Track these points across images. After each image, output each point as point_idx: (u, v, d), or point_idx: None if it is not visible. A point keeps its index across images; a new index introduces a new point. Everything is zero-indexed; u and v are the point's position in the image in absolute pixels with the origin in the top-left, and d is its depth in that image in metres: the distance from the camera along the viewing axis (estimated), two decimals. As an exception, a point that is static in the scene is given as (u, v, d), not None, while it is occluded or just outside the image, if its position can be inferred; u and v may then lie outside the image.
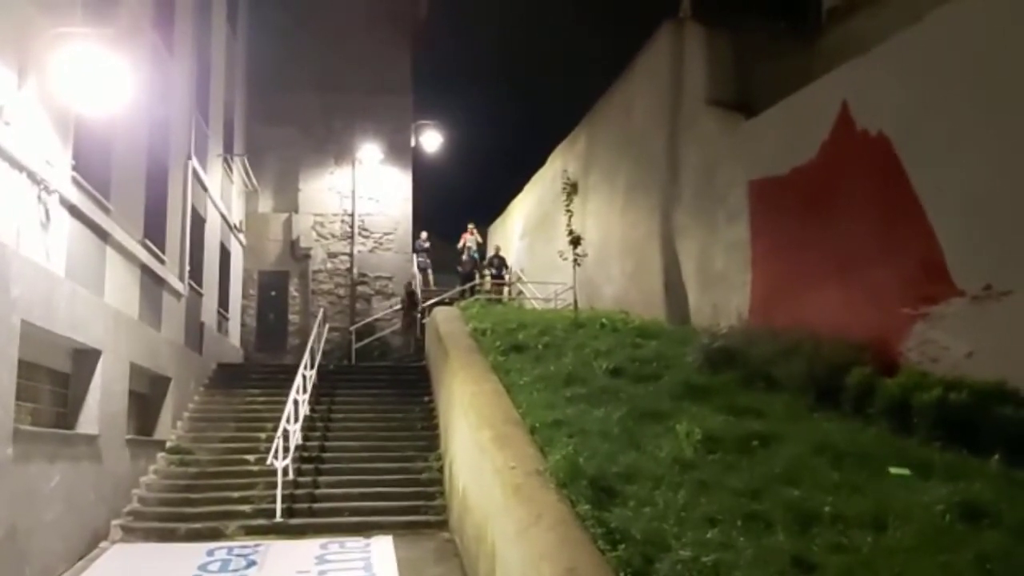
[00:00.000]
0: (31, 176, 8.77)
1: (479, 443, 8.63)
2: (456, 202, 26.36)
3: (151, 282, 13.10)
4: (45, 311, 9.10)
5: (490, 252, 24.00)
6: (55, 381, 10.38)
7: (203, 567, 9.83)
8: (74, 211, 9.97)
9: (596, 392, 9.71)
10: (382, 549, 10.36)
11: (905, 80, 9.36)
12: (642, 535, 5.80)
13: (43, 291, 9.08)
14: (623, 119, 17.28)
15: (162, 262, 13.65)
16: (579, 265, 14.45)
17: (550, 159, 22.56)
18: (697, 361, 10.75)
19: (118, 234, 11.42)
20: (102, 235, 10.96)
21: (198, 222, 16.50)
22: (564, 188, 15.01)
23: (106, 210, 11.02)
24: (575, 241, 14.22)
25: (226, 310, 19.55)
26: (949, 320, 8.56)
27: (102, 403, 10.79)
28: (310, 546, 10.60)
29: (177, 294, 14.65)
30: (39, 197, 9.02)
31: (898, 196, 9.41)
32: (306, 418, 13.81)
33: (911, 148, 9.30)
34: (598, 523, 5.99)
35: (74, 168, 9.93)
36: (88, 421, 10.58)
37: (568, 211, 14.56)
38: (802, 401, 9.06)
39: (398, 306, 21.29)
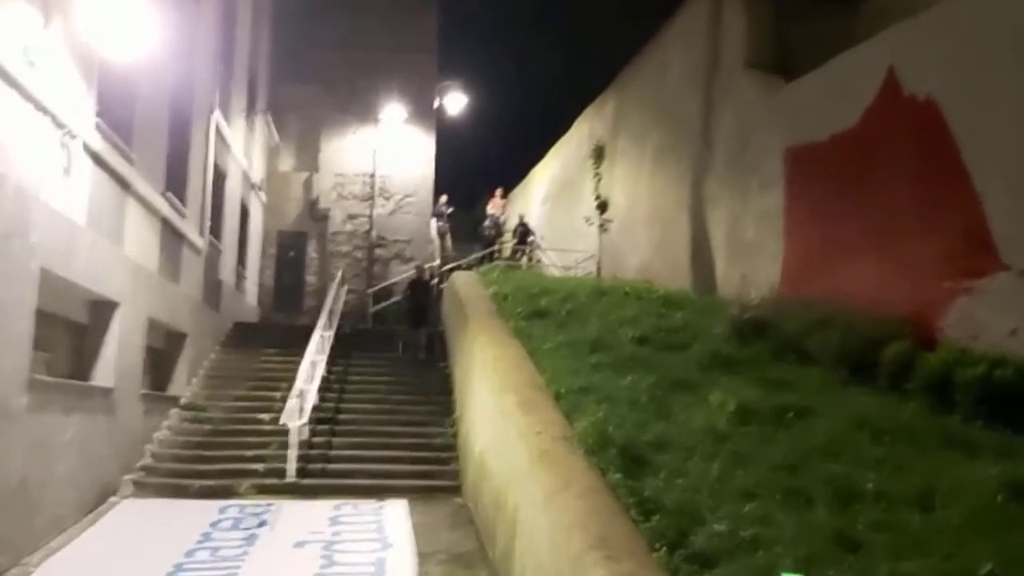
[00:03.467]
0: (54, 120, 8.52)
1: (502, 407, 8.39)
2: (477, 168, 26.01)
3: (171, 236, 12.88)
4: (64, 260, 8.90)
5: (513, 220, 23.61)
6: (72, 332, 10.22)
7: (215, 524, 9.70)
8: (97, 159, 9.73)
9: (623, 360, 9.43)
10: (396, 512, 10.20)
11: (957, 43, 8.93)
12: (676, 506, 5.56)
13: (63, 239, 8.87)
14: (655, 82, 16.85)
15: (183, 216, 13.42)
16: (605, 231, 14.12)
17: (576, 124, 22.15)
18: (726, 332, 10.44)
19: (140, 185, 11.18)
20: (124, 185, 10.72)
21: (219, 178, 16.27)
22: (593, 151, 14.62)
23: (129, 160, 10.77)
24: (602, 206, 13.90)
25: (244, 268, 19.36)
26: (993, 295, 8.18)
27: (118, 356, 10.61)
28: (323, 507, 10.45)
29: (197, 249, 14.44)
30: (62, 143, 8.77)
31: (945, 165, 9.01)
32: (322, 379, 13.63)
33: (961, 115, 8.87)
34: (630, 492, 5.75)
35: (97, 115, 9.69)
36: (104, 374, 10.42)
37: (597, 174, 14.21)
38: (835, 375, 8.74)
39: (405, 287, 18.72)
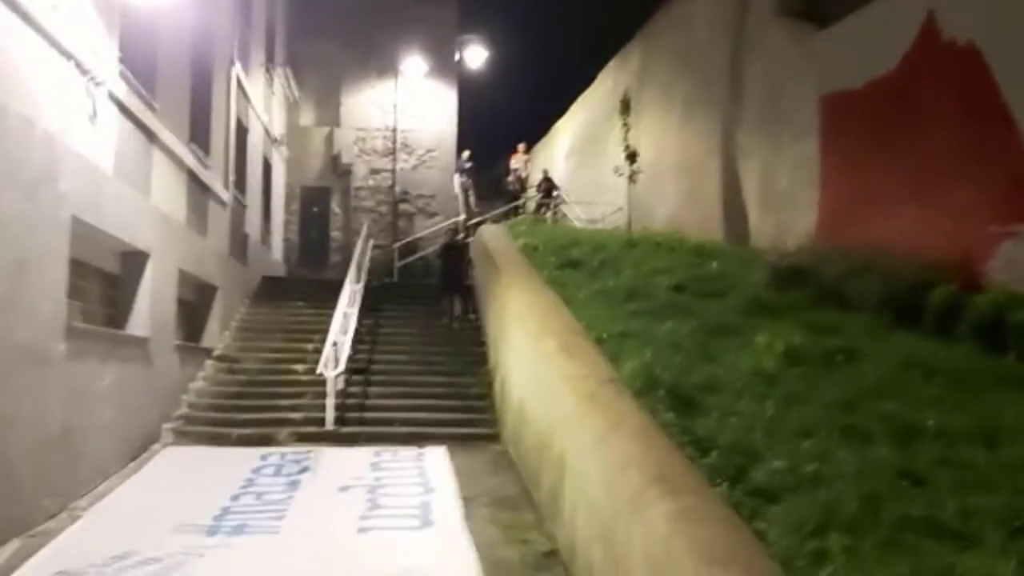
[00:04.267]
0: (79, 66, 8.36)
1: (543, 352, 8.33)
2: (499, 124, 25.65)
3: (197, 188, 12.80)
4: (94, 209, 8.82)
5: (536, 175, 23.40)
6: (105, 282, 10.19)
7: (257, 470, 9.71)
8: (121, 107, 9.60)
9: (660, 307, 9.33)
10: (436, 458, 10.19)
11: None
12: (731, 444, 5.50)
13: (91, 188, 8.78)
14: (682, 32, 16.56)
15: (207, 168, 13.32)
16: (634, 182, 13.95)
17: (600, 76, 21.84)
18: (764, 279, 10.32)
19: (165, 135, 11.07)
20: (149, 135, 10.62)
21: (241, 131, 16.13)
22: (620, 102, 14.40)
23: (152, 109, 10.65)
24: (631, 156, 13.69)
25: (269, 224, 19.30)
26: (1040, 238, 8.07)
27: (152, 306, 10.60)
28: (363, 454, 10.46)
29: (222, 203, 14.37)
30: (87, 89, 8.65)
31: (987, 109, 8.85)
32: (354, 332, 13.62)
33: (1004, 59, 8.69)
34: (683, 431, 5.69)
35: (120, 62, 9.55)
36: (138, 324, 10.41)
37: (625, 124, 14.00)
38: (879, 320, 8.62)
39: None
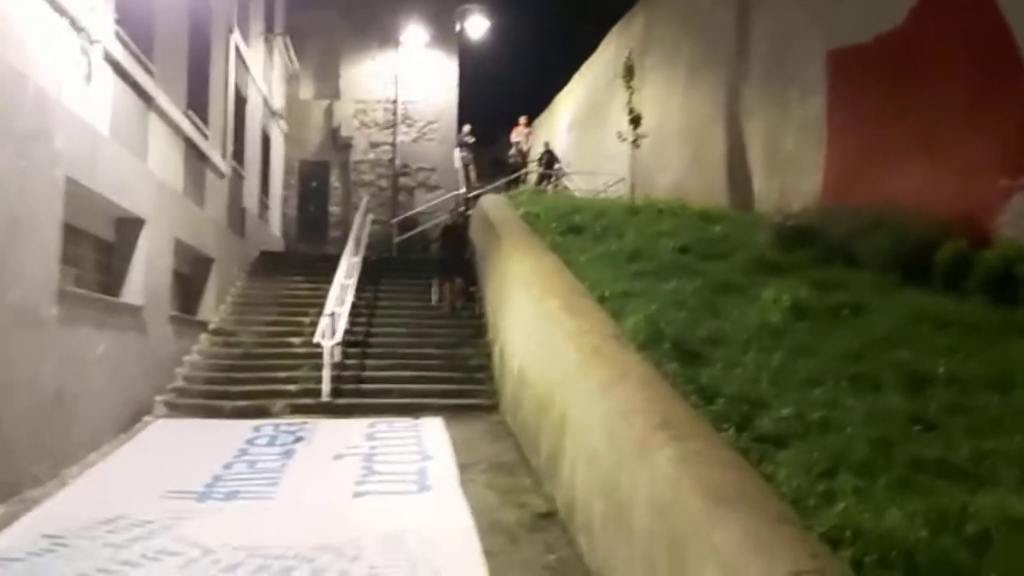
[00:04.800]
0: (73, 23, 8.19)
1: (545, 312, 8.15)
2: (500, 96, 25.35)
3: (194, 156, 12.61)
4: (89, 170, 8.64)
5: (538, 148, 23.13)
6: (99, 249, 10.03)
7: (251, 441, 9.59)
8: (117, 68, 9.42)
9: (664, 267, 9.12)
10: (432, 428, 10.06)
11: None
12: (737, 393, 5.33)
13: (87, 148, 8.60)
14: (686, -5, 16.29)
15: (205, 137, 13.13)
16: (638, 147, 13.73)
17: (603, 44, 21.53)
18: (769, 240, 10.11)
19: (162, 100, 10.87)
20: (146, 99, 10.43)
21: (240, 102, 15.94)
22: (624, 66, 14.13)
23: (150, 73, 10.46)
24: (635, 120, 13.45)
25: (267, 197, 19.10)
26: (1050, 192, 7.86)
27: (146, 275, 10.44)
28: (358, 425, 10.32)
29: (220, 173, 14.18)
30: (82, 48, 8.47)
31: (999, 62, 8.61)
32: (351, 305, 13.46)
33: (1019, 9, 8.44)
34: (688, 380, 5.51)
35: (117, 23, 9.35)
36: (132, 292, 10.25)
37: (629, 87, 13.74)
38: (887, 278, 8.42)
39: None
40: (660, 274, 8.84)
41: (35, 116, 7.41)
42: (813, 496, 3.90)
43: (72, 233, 8.79)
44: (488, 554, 5.93)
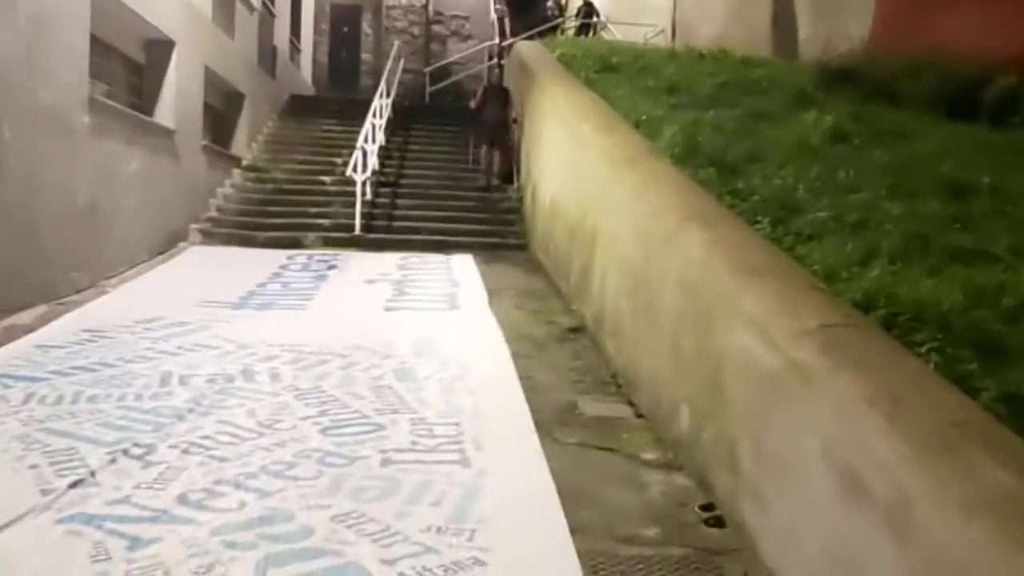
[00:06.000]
0: None
1: (579, 138, 8.04)
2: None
3: (224, -17, 12.32)
4: (116, -20, 8.46)
5: (575, 1, 22.33)
6: (129, 69, 9.96)
7: (284, 266, 9.73)
8: None
9: (703, 99, 8.86)
10: (463, 262, 10.12)
11: None
12: (773, 197, 5.23)
13: (114, -43, 8.40)
14: None
15: (235, -35, 12.80)
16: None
17: None
18: (812, 80, 9.79)
19: (190, -85, 10.56)
20: (174, -88, 10.13)
21: (269, -68, 15.44)
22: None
23: None
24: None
25: (298, 40, 18.73)
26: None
27: (178, 99, 10.37)
28: (390, 257, 10.40)
29: (250, 5, 13.86)
30: None
31: None
32: (382, 148, 13.37)
33: None
34: (723, 184, 5.43)
35: None
36: (164, 114, 10.21)
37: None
38: (932, 115, 8.16)
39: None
40: (699, 105, 8.59)
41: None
42: (846, 271, 3.87)
43: (101, 48, 8.70)
44: (516, 356, 6.03)
